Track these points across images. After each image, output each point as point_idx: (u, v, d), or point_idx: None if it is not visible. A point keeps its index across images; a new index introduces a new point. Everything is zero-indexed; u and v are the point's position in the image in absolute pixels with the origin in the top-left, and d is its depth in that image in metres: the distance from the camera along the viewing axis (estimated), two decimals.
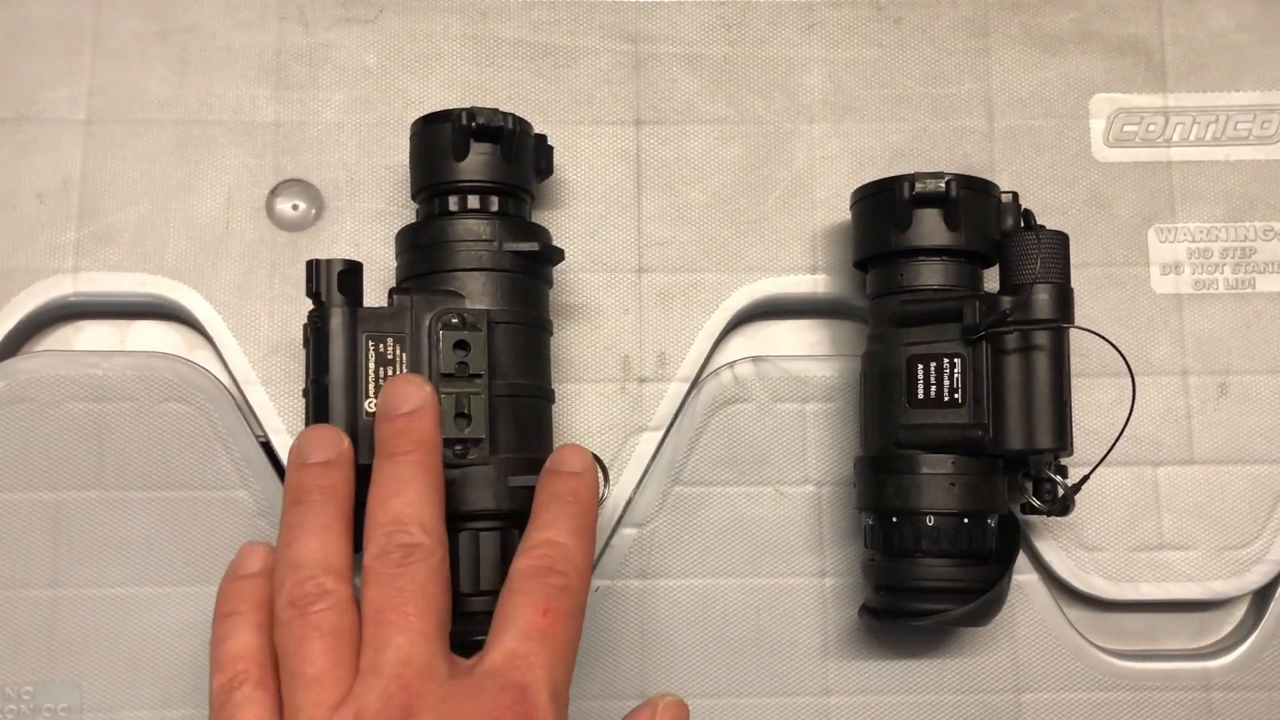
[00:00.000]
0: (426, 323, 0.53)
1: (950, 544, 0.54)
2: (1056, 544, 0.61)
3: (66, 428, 0.59)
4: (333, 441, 0.49)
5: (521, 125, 0.57)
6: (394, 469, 0.47)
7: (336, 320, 0.52)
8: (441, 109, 0.56)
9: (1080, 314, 0.57)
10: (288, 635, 0.44)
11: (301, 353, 0.54)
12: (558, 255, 0.57)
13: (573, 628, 0.46)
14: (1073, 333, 0.55)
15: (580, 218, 0.63)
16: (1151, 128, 0.64)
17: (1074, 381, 0.56)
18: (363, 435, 0.52)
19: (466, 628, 0.52)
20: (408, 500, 0.46)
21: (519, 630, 0.45)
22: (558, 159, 0.60)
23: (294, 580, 0.45)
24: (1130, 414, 0.56)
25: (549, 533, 0.48)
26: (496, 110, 0.55)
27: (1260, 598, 0.62)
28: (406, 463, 0.47)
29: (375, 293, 0.57)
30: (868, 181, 0.58)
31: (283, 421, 0.60)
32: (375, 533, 0.46)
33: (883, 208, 0.56)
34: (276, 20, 0.64)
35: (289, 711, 0.43)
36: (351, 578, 0.46)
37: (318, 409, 0.52)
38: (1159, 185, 0.64)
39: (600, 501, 0.58)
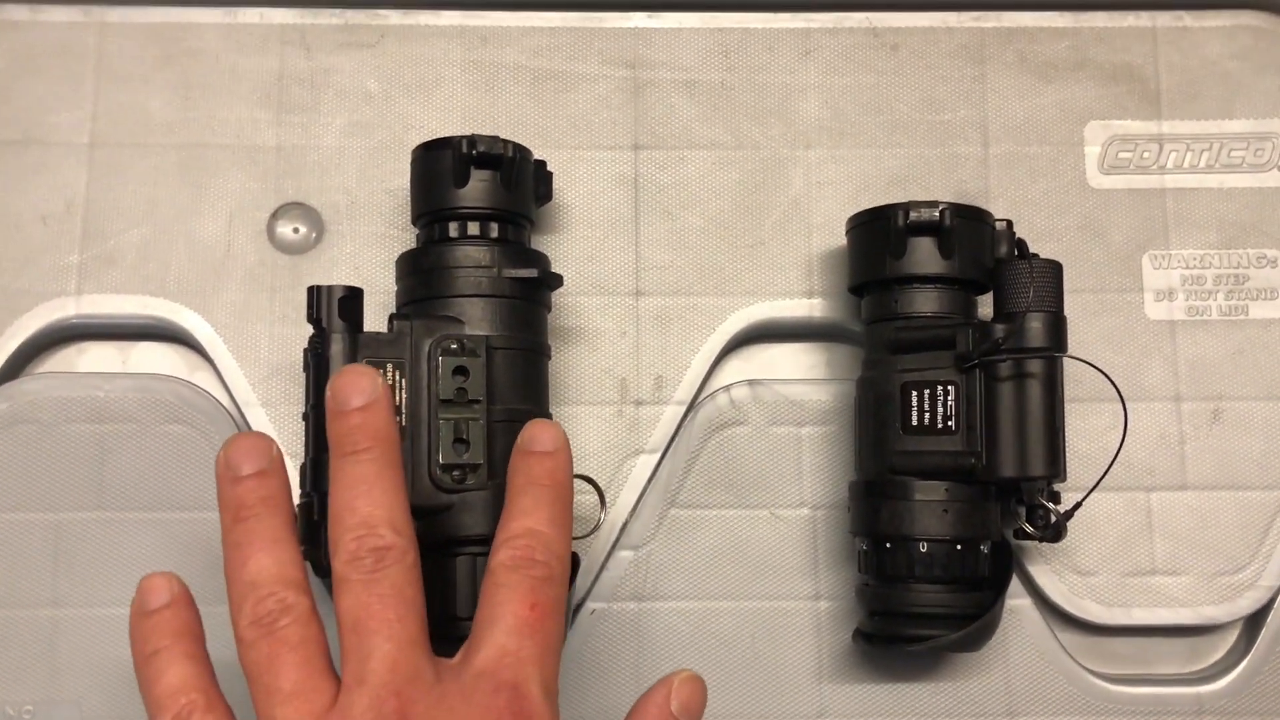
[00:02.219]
0: (426, 348, 0.54)
1: (943, 570, 0.54)
2: (1049, 568, 0.61)
3: (68, 449, 0.60)
4: (262, 449, 0.46)
5: (521, 152, 0.57)
6: (356, 469, 0.45)
7: (337, 346, 0.53)
8: (441, 134, 0.57)
9: (1074, 339, 0.57)
10: (256, 655, 0.43)
11: (301, 375, 0.55)
12: (556, 281, 0.57)
13: (559, 620, 0.45)
14: (1066, 359, 0.56)
15: (578, 242, 0.64)
16: (1146, 155, 0.65)
17: (1068, 407, 0.57)
18: None
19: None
20: (374, 501, 0.45)
21: (506, 626, 0.44)
22: (556, 183, 0.61)
23: (253, 599, 0.44)
24: (1122, 442, 0.57)
25: (528, 521, 0.47)
26: (497, 138, 0.56)
27: (1252, 623, 0.62)
28: (367, 460, 0.45)
29: (375, 316, 0.58)
30: (863, 209, 0.58)
31: (283, 444, 0.60)
32: (343, 537, 0.44)
33: (877, 235, 0.57)
34: (278, 44, 0.64)
35: None
36: (309, 588, 0.45)
37: (317, 434, 0.53)
38: (1153, 212, 0.64)
39: (596, 525, 0.59)
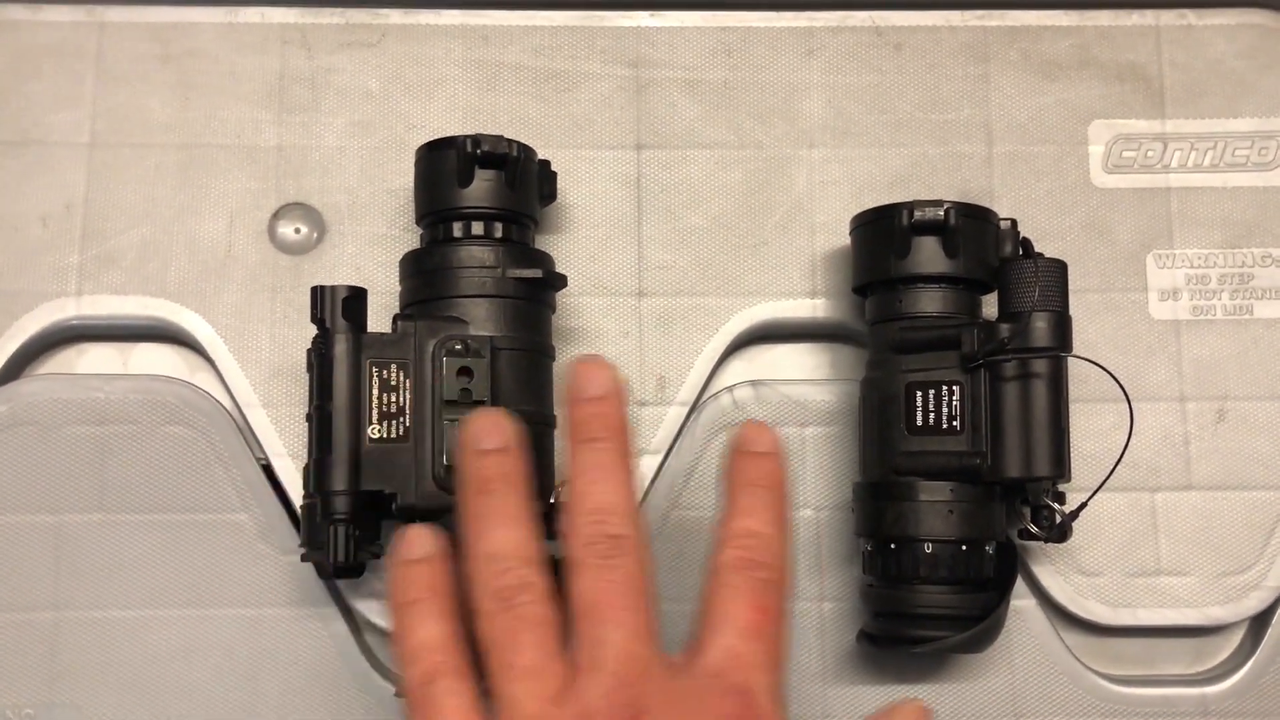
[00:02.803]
0: (430, 349, 0.53)
1: (948, 571, 0.54)
2: (1054, 569, 0.61)
3: (68, 451, 0.60)
4: (504, 427, 0.47)
5: (526, 152, 0.57)
6: (592, 456, 0.46)
7: (340, 347, 0.53)
8: (443, 134, 0.57)
9: (1079, 339, 0.57)
10: (495, 627, 0.43)
11: (303, 375, 0.55)
12: (561, 281, 0.57)
13: (785, 625, 0.45)
14: (1071, 359, 0.56)
15: (581, 242, 0.63)
16: (1150, 154, 0.65)
17: (1073, 407, 0.56)
18: (366, 462, 0.52)
19: None
20: (610, 489, 0.45)
21: (736, 628, 0.44)
22: (559, 183, 0.61)
23: (492, 572, 0.44)
24: (1128, 442, 0.56)
25: (750, 522, 0.46)
26: (501, 137, 0.56)
27: (1258, 624, 0.62)
28: (604, 450, 0.46)
29: (376, 316, 0.57)
30: (867, 208, 0.58)
31: (284, 445, 0.60)
32: (579, 521, 0.45)
33: (881, 235, 0.57)
34: (279, 44, 0.64)
35: (503, 703, 0.42)
36: (548, 567, 0.45)
37: (320, 435, 0.53)
38: (1157, 211, 0.64)
39: None
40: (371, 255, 0.62)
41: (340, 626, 0.60)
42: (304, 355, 0.55)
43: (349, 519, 0.52)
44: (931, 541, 0.54)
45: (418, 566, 0.46)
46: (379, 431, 0.53)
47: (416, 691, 0.44)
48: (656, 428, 0.62)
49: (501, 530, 0.45)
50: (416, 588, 0.46)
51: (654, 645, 0.43)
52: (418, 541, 0.47)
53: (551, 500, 0.55)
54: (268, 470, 0.60)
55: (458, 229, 0.56)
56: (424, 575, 0.46)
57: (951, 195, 0.63)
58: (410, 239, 0.61)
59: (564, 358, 0.61)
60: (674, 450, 0.62)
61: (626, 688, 0.41)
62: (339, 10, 0.64)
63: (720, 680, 0.43)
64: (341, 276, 0.62)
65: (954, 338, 0.55)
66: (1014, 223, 0.57)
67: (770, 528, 0.46)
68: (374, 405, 0.53)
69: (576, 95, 0.64)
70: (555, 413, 0.57)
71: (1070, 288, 0.56)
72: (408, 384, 0.53)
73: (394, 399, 0.53)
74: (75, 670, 0.58)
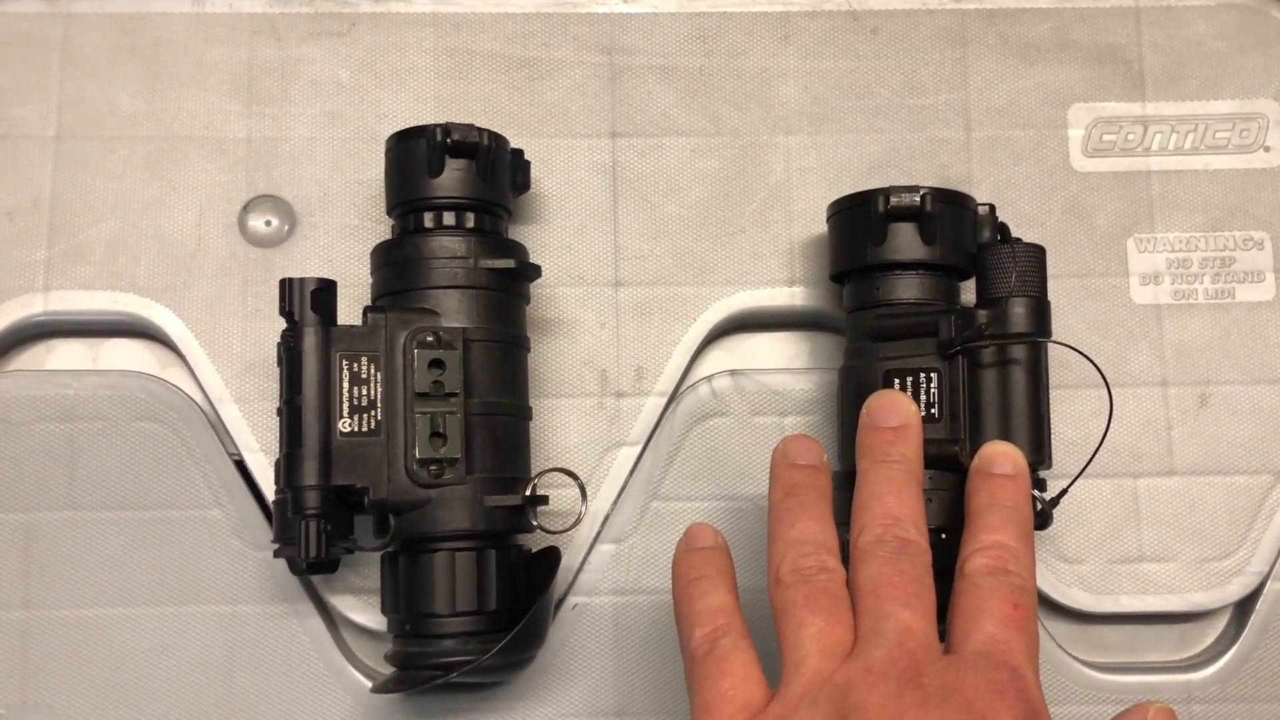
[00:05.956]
0: (401, 341, 0.53)
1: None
2: (1036, 557, 0.60)
3: (38, 448, 0.59)
4: (816, 451, 0.51)
5: (497, 141, 0.56)
6: (887, 472, 0.49)
7: (309, 340, 0.52)
8: (415, 123, 0.56)
9: (1059, 325, 0.56)
10: (793, 593, 0.46)
11: (275, 370, 0.54)
12: (534, 272, 0.56)
13: (1036, 628, 0.47)
14: (1052, 344, 0.55)
15: (556, 232, 0.63)
16: (1130, 137, 0.64)
17: (1053, 393, 0.56)
18: (337, 456, 0.52)
19: (437, 648, 0.52)
20: (903, 501, 0.48)
21: (995, 619, 0.45)
22: (533, 172, 0.60)
23: (796, 553, 0.47)
24: (1108, 428, 0.56)
25: (998, 536, 0.48)
26: (472, 126, 0.55)
27: (1241, 609, 0.62)
28: (899, 469, 0.49)
29: (349, 309, 0.57)
30: (843, 195, 0.57)
31: (256, 440, 0.60)
32: (870, 522, 0.48)
33: (858, 222, 0.56)
34: (248, 34, 0.63)
35: (793, 655, 0.44)
36: (843, 563, 0.47)
37: (290, 430, 0.52)
38: (1138, 195, 0.64)
39: (577, 519, 0.58)
40: (343, 247, 0.62)
41: (316, 622, 0.59)
42: (275, 349, 0.54)
43: (320, 514, 0.51)
44: None
45: (703, 552, 0.49)
46: (350, 425, 0.52)
47: (703, 647, 0.46)
48: (635, 418, 0.61)
49: (806, 522, 0.48)
50: (702, 567, 0.49)
51: (932, 632, 0.45)
52: (702, 534, 0.50)
53: (528, 493, 0.55)
54: (240, 465, 0.60)
55: (429, 219, 0.55)
56: (710, 557, 0.49)
57: (930, 181, 0.63)
58: (382, 230, 0.60)
59: (541, 347, 0.61)
60: (652, 441, 0.61)
61: (906, 654, 0.43)
62: None
63: (988, 658, 0.44)
64: (313, 269, 0.61)
65: (931, 325, 0.54)
66: (992, 208, 0.57)
67: (1018, 543, 0.49)
68: (344, 399, 0.52)
69: (550, 83, 0.64)
70: (530, 404, 0.57)
71: (1051, 273, 0.56)
72: (378, 377, 0.52)
73: (365, 392, 0.52)
74: (47, 670, 0.58)
